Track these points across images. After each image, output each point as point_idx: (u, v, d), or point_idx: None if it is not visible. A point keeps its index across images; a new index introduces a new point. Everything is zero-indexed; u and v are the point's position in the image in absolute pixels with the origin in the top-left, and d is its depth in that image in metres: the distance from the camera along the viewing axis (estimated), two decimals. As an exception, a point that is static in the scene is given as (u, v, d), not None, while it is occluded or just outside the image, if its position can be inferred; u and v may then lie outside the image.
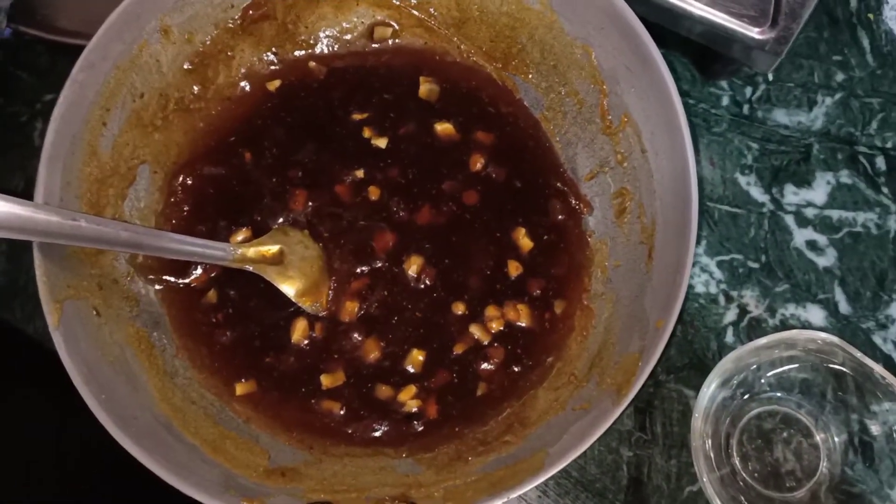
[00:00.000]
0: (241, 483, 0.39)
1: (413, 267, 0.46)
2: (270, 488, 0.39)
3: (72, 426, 0.55)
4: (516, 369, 0.45)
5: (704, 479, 0.43)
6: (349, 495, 0.40)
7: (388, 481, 0.41)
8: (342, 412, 0.44)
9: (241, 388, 0.44)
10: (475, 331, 0.46)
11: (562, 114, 0.49)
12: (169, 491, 0.37)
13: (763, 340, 0.45)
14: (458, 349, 0.45)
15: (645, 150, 0.45)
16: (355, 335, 0.45)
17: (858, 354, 0.44)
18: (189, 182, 0.47)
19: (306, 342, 0.45)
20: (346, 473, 0.42)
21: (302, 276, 0.45)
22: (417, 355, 0.45)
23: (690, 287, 0.51)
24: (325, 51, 0.51)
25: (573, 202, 0.48)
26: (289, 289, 0.45)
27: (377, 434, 0.44)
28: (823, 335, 0.44)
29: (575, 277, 0.47)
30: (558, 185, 0.49)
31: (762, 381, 0.48)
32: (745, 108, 0.54)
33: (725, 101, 0.54)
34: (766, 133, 0.53)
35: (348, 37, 0.51)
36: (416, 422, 0.44)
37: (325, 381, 0.44)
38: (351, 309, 0.46)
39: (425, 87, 0.50)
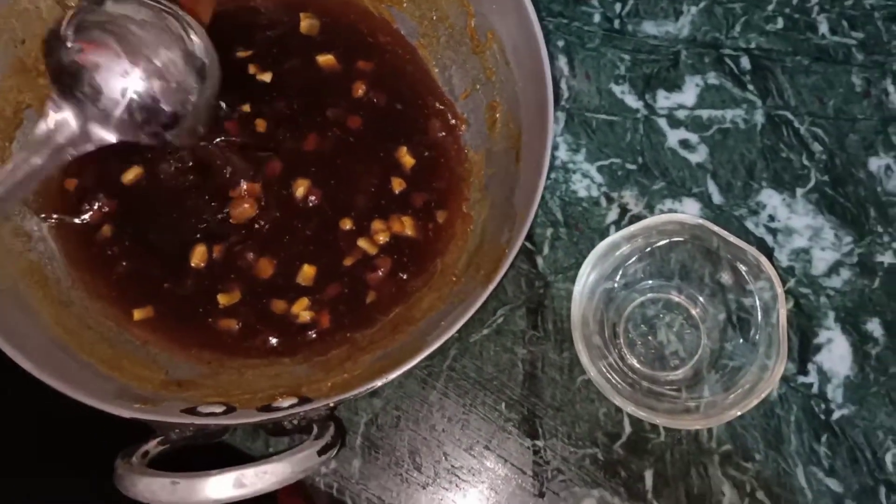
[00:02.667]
0: (135, 392, 0.41)
1: (300, 189, 0.48)
2: (165, 395, 0.41)
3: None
4: (403, 276, 0.48)
5: (585, 360, 0.46)
6: (243, 397, 0.42)
7: (282, 384, 0.43)
8: (239, 327, 0.46)
9: (138, 314, 0.46)
10: (363, 244, 0.48)
11: (436, 39, 0.52)
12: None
13: (632, 228, 0.47)
14: (348, 262, 0.48)
15: (508, 63, 0.47)
16: (249, 255, 0.47)
17: (730, 237, 0.47)
18: (77, 126, 0.49)
19: (203, 265, 0.47)
20: (242, 381, 0.44)
21: None
22: (309, 270, 0.47)
23: (573, 192, 0.53)
24: (206, -5, 0.53)
25: (451, 120, 0.51)
26: None
27: (273, 344, 0.46)
28: (691, 218, 0.47)
29: (455, 188, 0.49)
30: (437, 105, 0.51)
31: (642, 271, 0.51)
32: (616, 23, 0.57)
33: (597, 17, 0.57)
34: (636, 44, 0.56)
35: (226, -21, 0.53)
36: (310, 331, 0.46)
37: (222, 300, 0.46)
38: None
39: (306, 23, 0.52)
